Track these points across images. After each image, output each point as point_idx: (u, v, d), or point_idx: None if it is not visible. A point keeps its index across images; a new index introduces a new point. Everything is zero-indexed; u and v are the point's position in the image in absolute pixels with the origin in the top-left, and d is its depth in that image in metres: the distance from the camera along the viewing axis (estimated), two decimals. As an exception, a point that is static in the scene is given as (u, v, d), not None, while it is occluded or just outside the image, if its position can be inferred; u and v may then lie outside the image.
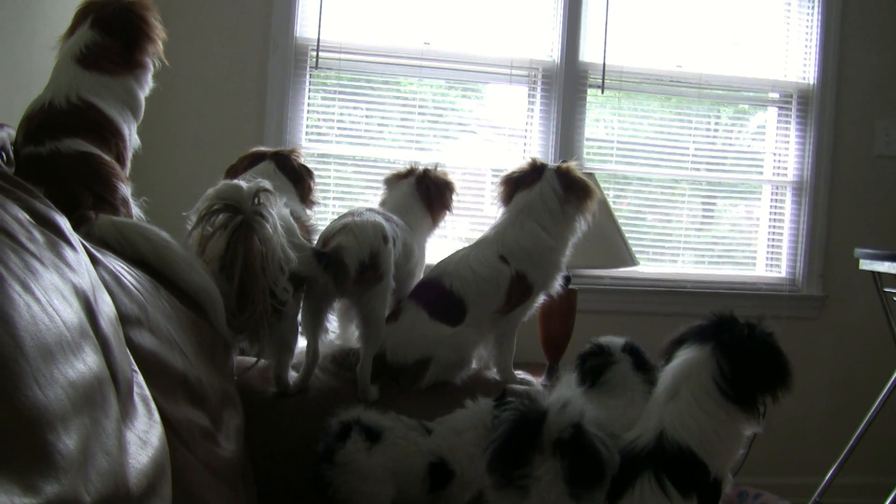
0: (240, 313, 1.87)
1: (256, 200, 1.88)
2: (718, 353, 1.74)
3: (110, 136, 2.07)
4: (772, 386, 1.75)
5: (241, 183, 1.92)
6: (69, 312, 0.95)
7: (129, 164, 2.15)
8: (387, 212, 2.37)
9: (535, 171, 2.54)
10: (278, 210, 1.96)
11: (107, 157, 2.02)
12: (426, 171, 2.60)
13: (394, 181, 2.63)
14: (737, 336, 1.77)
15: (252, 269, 1.84)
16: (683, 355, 1.80)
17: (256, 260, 1.84)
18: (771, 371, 1.76)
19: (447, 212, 2.64)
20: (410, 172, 2.61)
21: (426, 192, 2.57)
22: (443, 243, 3.79)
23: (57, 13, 2.49)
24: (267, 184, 1.96)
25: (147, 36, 2.23)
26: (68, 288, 1.00)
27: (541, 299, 2.55)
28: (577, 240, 2.55)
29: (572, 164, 2.56)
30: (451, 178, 2.66)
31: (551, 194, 2.48)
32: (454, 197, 2.65)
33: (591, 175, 3.04)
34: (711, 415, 1.74)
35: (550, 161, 2.80)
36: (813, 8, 4.17)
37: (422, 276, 2.55)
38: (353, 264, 2.05)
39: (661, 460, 1.71)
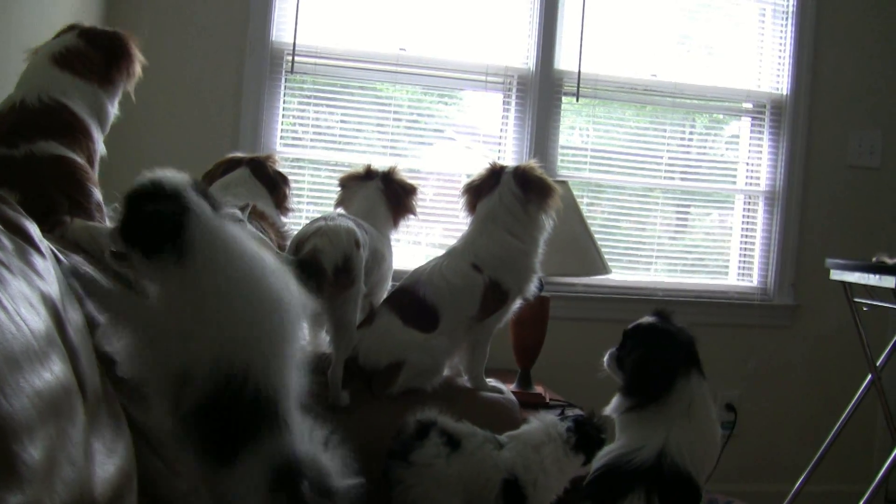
0: None
1: None
2: None
3: (82, 138, 2.07)
4: None
5: None
6: (37, 321, 0.94)
7: (97, 166, 2.15)
8: (351, 215, 2.36)
9: (493, 177, 2.54)
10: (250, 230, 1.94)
11: (81, 161, 2.01)
12: (391, 174, 2.59)
13: (353, 182, 2.61)
14: None
15: None
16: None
17: None
18: None
19: (412, 216, 2.63)
20: (369, 174, 2.59)
21: (395, 196, 2.57)
22: (416, 250, 3.80)
23: (30, 20, 2.48)
24: (238, 214, 1.95)
25: (129, 59, 2.28)
26: (36, 296, 0.99)
27: (517, 304, 2.54)
28: (546, 237, 2.54)
29: (529, 164, 2.56)
30: (413, 181, 2.65)
31: (511, 198, 2.48)
32: (417, 201, 2.64)
33: (564, 182, 3.05)
34: (711, 438, 1.76)
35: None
36: (787, 19, 4.21)
37: (390, 280, 2.55)
38: (329, 267, 2.05)
39: (656, 480, 1.70)
